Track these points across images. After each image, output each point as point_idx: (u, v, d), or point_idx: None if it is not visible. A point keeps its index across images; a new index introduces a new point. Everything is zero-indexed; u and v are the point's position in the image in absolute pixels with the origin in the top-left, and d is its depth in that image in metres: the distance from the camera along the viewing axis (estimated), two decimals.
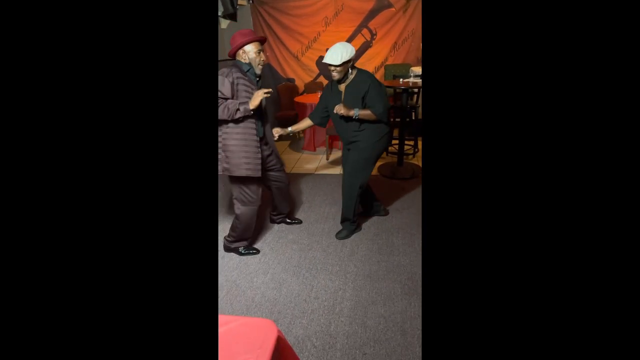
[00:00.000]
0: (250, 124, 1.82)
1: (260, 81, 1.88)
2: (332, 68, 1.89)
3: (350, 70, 1.93)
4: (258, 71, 1.82)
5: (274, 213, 2.44)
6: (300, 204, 2.75)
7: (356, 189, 2.11)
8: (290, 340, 1.51)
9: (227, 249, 2.16)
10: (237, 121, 1.79)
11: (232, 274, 1.97)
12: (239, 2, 3.84)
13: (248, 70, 1.81)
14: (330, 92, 2.06)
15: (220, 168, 1.87)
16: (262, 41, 1.83)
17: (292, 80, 4.58)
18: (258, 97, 1.73)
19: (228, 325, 0.88)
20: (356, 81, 1.94)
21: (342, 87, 1.99)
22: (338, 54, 1.83)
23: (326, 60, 1.88)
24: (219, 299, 1.77)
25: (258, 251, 2.16)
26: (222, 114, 1.73)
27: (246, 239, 2.12)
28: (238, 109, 1.74)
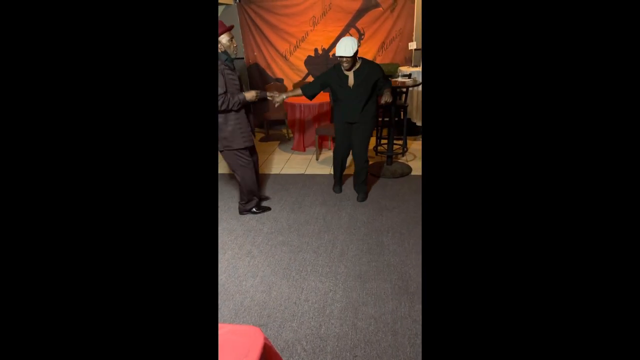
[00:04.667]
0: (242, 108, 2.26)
1: (233, 62, 2.24)
2: (345, 59, 2.26)
3: (357, 59, 2.34)
4: (233, 55, 2.18)
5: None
6: (290, 204, 2.73)
7: (366, 154, 2.62)
8: (280, 344, 1.49)
9: (243, 212, 2.60)
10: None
11: (220, 277, 1.94)
12: (225, 1, 3.78)
13: (226, 59, 2.14)
14: (338, 76, 2.41)
15: (220, 145, 2.26)
16: (230, 30, 2.19)
17: (280, 81, 4.54)
18: (253, 93, 2.21)
19: None
20: (365, 69, 2.35)
21: (350, 73, 2.38)
22: (350, 46, 2.22)
23: (340, 53, 2.24)
24: None
25: (270, 208, 2.64)
26: (225, 107, 2.11)
27: (254, 198, 2.54)
28: (239, 102, 2.15)
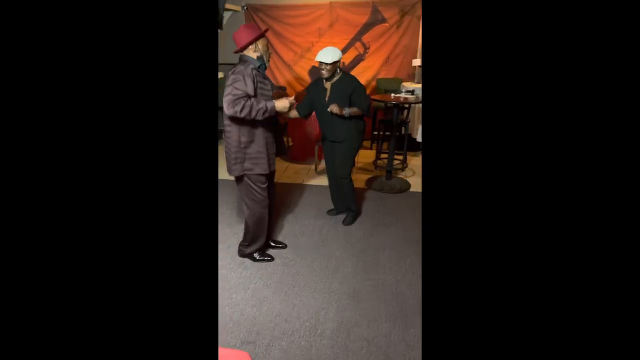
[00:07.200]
0: (270, 123, 1.88)
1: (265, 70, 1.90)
2: (323, 66, 2.19)
3: (337, 71, 2.26)
4: (268, 64, 1.87)
5: None
6: (285, 215, 2.68)
7: (348, 178, 2.45)
8: None
9: (242, 255, 2.14)
10: (262, 120, 1.78)
11: None
12: (232, 8, 3.79)
13: (260, 66, 1.79)
14: (316, 88, 2.34)
15: (239, 169, 1.86)
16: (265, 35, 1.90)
17: (283, 89, 4.54)
18: (286, 101, 1.79)
19: None
20: (342, 81, 2.27)
21: (328, 85, 2.28)
22: (330, 54, 2.17)
23: (319, 58, 2.18)
24: None
25: (272, 258, 2.14)
26: (246, 113, 1.67)
27: (259, 241, 2.08)
28: (265, 110, 1.71)
